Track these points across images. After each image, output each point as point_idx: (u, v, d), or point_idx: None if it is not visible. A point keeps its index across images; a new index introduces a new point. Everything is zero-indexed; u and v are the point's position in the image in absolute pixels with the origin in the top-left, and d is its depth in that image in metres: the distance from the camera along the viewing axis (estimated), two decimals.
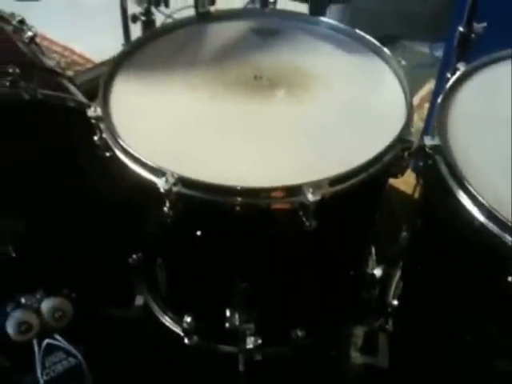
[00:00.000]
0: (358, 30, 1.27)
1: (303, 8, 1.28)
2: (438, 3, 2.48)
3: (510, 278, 0.86)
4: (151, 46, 1.26)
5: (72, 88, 1.41)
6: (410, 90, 1.12)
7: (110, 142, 1.03)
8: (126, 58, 1.21)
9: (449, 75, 1.25)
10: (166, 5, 1.34)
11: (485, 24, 1.33)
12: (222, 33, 1.30)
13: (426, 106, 2.34)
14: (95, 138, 1.07)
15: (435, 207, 1.10)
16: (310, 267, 1.12)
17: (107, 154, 1.06)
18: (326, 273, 1.16)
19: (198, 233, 1.01)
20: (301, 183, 0.92)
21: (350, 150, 1.02)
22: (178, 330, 1.25)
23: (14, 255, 1.30)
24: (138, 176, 0.97)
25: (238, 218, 0.96)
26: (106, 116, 1.06)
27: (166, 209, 0.95)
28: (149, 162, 0.95)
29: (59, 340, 1.31)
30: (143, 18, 1.37)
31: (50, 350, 1.29)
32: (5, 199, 1.24)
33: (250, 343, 1.12)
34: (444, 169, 0.98)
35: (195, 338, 1.22)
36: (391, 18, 2.66)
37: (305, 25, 1.31)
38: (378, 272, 1.32)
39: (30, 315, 1.28)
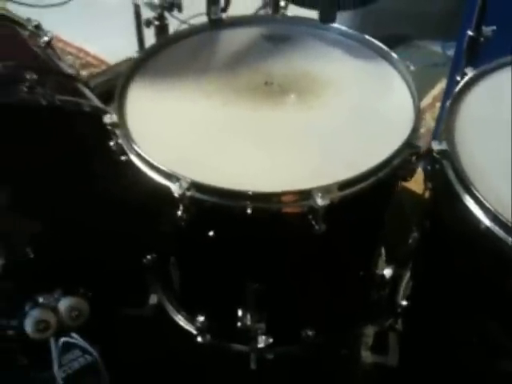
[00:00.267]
0: (366, 36, 1.28)
1: (313, 13, 1.30)
2: (451, 2, 2.47)
3: None
4: (165, 53, 1.27)
5: (88, 92, 1.43)
6: (419, 94, 1.14)
7: (126, 148, 1.05)
8: (140, 65, 1.23)
9: (458, 78, 1.25)
10: (179, 10, 1.36)
11: (494, 27, 1.33)
12: (233, 39, 1.32)
13: (438, 105, 2.33)
14: (111, 143, 1.09)
15: (442, 210, 1.10)
16: (320, 269, 1.14)
17: (123, 159, 1.08)
18: (335, 274, 1.17)
19: (211, 235, 1.03)
20: (310, 188, 0.94)
21: (359, 154, 1.03)
22: (191, 328, 1.27)
23: (32, 256, 1.32)
24: (153, 181, 0.99)
25: (249, 222, 0.98)
26: (122, 122, 1.08)
27: (179, 212, 0.97)
28: (163, 168, 0.98)
29: (75, 338, 1.33)
30: (156, 22, 1.38)
31: (67, 347, 1.32)
32: (24, 202, 1.27)
33: (262, 342, 1.14)
34: (451, 173, 0.99)
35: (208, 336, 1.24)
36: (403, 18, 2.66)
37: (315, 30, 1.33)
38: (387, 272, 1.33)
39: (47, 314, 1.30)
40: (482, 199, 0.92)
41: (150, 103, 1.15)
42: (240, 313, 1.15)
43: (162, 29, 1.40)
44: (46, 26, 1.61)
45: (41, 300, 1.31)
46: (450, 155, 1.01)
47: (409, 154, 1.04)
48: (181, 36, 1.32)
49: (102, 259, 1.36)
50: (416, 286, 1.35)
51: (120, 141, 1.07)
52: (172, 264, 1.27)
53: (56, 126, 1.25)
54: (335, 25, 1.29)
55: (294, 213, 0.98)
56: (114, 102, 1.12)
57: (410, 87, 1.17)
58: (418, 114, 1.09)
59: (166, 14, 1.38)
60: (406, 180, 1.09)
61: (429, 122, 2.37)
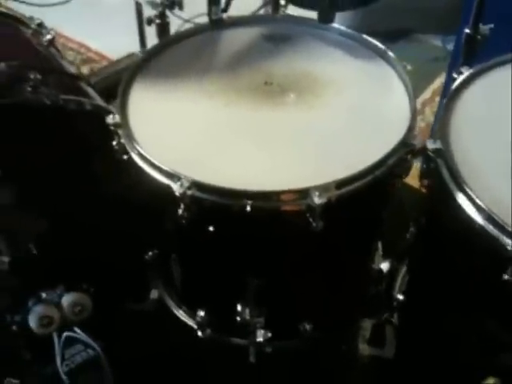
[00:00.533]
0: (365, 36, 1.30)
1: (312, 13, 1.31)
2: None
3: (505, 276, 0.89)
4: (167, 54, 1.29)
5: (91, 91, 1.44)
6: (415, 94, 1.15)
7: (128, 148, 1.07)
8: (142, 66, 1.24)
9: (455, 75, 1.25)
10: (180, 8, 1.37)
11: (491, 25, 1.33)
12: (234, 39, 1.33)
13: (438, 99, 2.33)
14: (114, 143, 1.11)
15: (437, 208, 1.12)
16: (318, 265, 1.16)
17: (125, 157, 1.10)
18: (332, 270, 1.19)
19: (212, 233, 1.05)
20: (308, 187, 0.96)
21: (357, 153, 1.05)
22: (191, 323, 1.30)
23: (35, 252, 1.33)
24: (155, 180, 1.02)
25: (248, 220, 1.00)
26: (124, 122, 1.10)
27: (180, 211, 0.99)
28: (165, 168, 1.00)
29: (78, 332, 1.33)
30: (158, 20, 1.38)
31: (69, 342, 1.31)
32: (28, 201, 1.28)
33: (260, 336, 1.17)
34: (445, 172, 1.01)
35: (208, 331, 1.26)
36: (405, 12, 2.65)
37: (315, 30, 1.34)
38: (385, 266, 1.35)
39: (51, 310, 1.30)
40: (475, 198, 0.94)
41: (152, 103, 1.17)
42: (239, 308, 1.17)
43: (163, 27, 1.40)
44: (47, 22, 1.61)
45: (44, 296, 1.32)
46: (445, 154, 1.03)
47: (404, 153, 1.06)
48: (182, 36, 1.34)
49: (105, 256, 1.37)
50: (412, 281, 1.37)
51: (122, 140, 1.09)
52: (173, 260, 1.29)
53: (60, 126, 1.26)
54: (335, 25, 1.30)
55: (292, 211, 1.00)
56: (117, 102, 1.13)
57: (406, 87, 1.18)
58: (414, 113, 1.11)
59: (169, 13, 1.39)
60: (401, 178, 1.11)
61: (428, 116, 2.38)
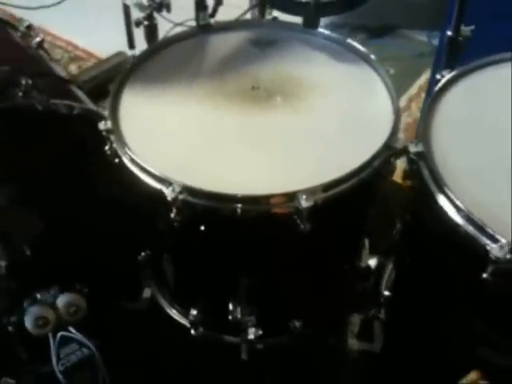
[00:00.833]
0: (349, 40, 1.32)
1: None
2: None
3: (484, 275, 0.93)
4: (156, 59, 1.30)
5: (81, 94, 1.46)
6: (398, 96, 1.18)
7: (120, 153, 1.09)
8: (133, 70, 1.26)
9: (438, 76, 1.27)
10: (168, 10, 1.39)
11: (473, 27, 1.36)
12: (222, 44, 1.34)
13: (424, 95, 2.32)
14: (106, 147, 1.12)
15: (420, 208, 1.16)
16: (306, 265, 1.19)
17: (116, 161, 1.12)
18: (321, 269, 1.22)
19: (203, 235, 1.08)
20: (295, 190, 0.99)
21: (343, 156, 1.08)
22: (184, 322, 1.32)
23: (29, 254, 1.34)
24: (147, 185, 1.04)
25: (238, 223, 1.03)
26: (116, 128, 1.11)
27: (172, 214, 1.01)
28: (157, 173, 1.02)
29: (72, 332, 1.34)
30: (146, 22, 1.37)
31: (64, 341, 1.32)
32: (22, 202, 1.29)
33: (252, 334, 1.20)
34: (427, 174, 1.04)
35: (201, 329, 1.29)
36: (391, 7, 2.67)
37: (301, 35, 1.35)
38: (372, 263, 1.38)
39: (46, 310, 1.31)
40: (455, 199, 0.97)
41: (142, 108, 1.18)
42: (231, 306, 1.20)
43: (151, 29, 1.41)
44: (34, 20, 1.61)
45: (39, 297, 1.33)
46: (426, 156, 1.05)
47: (388, 156, 1.08)
48: (171, 41, 1.35)
49: (99, 257, 1.39)
50: (398, 278, 1.40)
51: (114, 145, 1.11)
52: (166, 260, 1.32)
53: (51, 130, 1.27)
54: (320, 29, 1.32)
55: (280, 214, 1.03)
56: (108, 107, 1.15)
57: (389, 90, 1.20)
58: (397, 116, 1.13)
59: (159, 17, 1.40)
60: (386, 179, 1.14)
61: (415, 112, 2.38)
